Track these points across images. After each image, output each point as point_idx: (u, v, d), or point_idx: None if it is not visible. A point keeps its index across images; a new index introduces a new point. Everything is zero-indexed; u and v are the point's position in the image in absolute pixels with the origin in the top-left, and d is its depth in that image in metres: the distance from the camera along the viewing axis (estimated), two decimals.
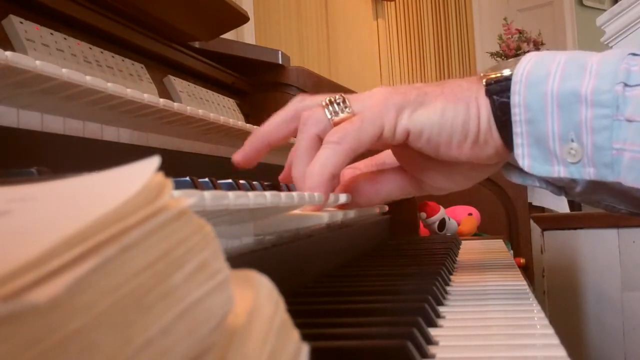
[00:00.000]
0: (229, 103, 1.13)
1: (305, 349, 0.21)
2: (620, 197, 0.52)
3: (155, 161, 0.18)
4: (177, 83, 0.96)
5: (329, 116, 0.54)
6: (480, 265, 0.80)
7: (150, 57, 0.93)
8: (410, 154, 0.57)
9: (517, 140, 0.50)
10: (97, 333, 0.14)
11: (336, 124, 0.54)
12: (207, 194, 0.30)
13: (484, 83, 0.52)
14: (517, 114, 0.49)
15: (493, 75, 0.51)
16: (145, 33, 0.91)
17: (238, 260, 0.43)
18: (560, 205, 2.15)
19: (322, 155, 0.52)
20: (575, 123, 0.47)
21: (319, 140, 0.54)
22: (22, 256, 0.13)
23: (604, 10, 3.16)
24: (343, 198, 0.55)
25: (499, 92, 0.51)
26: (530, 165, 0.50)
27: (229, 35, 1.40)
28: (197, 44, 1.13)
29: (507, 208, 1.71)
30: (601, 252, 1.83)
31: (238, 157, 0.57)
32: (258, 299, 0.20)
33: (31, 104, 0.54)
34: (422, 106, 0.52)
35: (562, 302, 1.87)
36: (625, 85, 0.46)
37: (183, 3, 0.97)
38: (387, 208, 0.92)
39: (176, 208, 0.17)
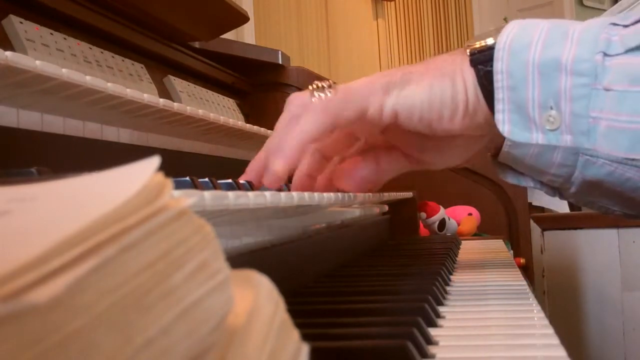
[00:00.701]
0: (229, 103, 1.13)
1: (305, 349, 0.21)
2: (615, 199, 0.52)
3: (155, 161, 0.18)
4: (177, 83, 0.96)
5: (314, 98, 0.55)
6: (480, 265, 0.80)
7: (150, 57, 0.93)
8: (404, 134, 0.57)
9: (498, 106, 0.50)
10: (97, 333, 0.14)
11: None
12: (207, 194, 0.30)
13: (468, 53, 0.52)
14: (500, 80, 0.49)
15: (477, 45, 0.52)
16: (145, 33, 0.91)
17: (238, 260, 0.43)
18: (560, 205, 2.14)
19: (302, 120, 0.52)
20: (555, 91, 0.47)
21: None
22: (22, 256, 0.13)
23: (604, 10, 3.16)
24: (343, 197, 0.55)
25: (483, 62, 0.51)
26: (510, 130, 0.50)
27: (229, 35, 1.40)
28: (197, 44, 1.13)
29: (507, 208, 1.71)
30: (601, 252, 1.83)
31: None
32: (258, 299, 0.20)
33: (31, 104, 0.54)
34: (409, 85, 0.53)
35: (562, 302, 1.87)
36: (605, 54, 0.46)
37: (183, 3, 0.97)
38: (387, 208, 0.92)
39: (176, 208, 0.17)
